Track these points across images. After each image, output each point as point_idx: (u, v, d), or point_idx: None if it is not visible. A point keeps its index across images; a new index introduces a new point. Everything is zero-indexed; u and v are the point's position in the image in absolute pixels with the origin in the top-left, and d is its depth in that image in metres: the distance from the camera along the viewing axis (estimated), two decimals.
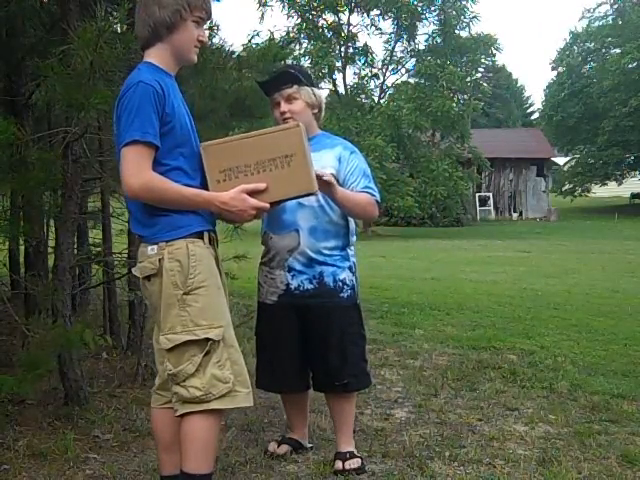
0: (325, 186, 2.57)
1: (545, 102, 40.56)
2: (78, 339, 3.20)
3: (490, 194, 33.46)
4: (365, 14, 25.69)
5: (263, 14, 24.72)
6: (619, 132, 32.19)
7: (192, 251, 2.20)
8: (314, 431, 3.28)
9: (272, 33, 10.61)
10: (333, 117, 22.77)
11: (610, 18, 36.21)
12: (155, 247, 2.21)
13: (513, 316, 6.94)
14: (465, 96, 26.77)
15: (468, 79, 26.69)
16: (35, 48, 4.04)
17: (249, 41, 5.25)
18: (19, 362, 3.09)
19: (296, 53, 22.98)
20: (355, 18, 43.06)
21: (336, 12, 25.27)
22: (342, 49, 25.74)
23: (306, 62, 23.50)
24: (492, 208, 33.28)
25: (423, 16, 25.43)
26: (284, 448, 3.01)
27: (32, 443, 3.04)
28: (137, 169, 2.11)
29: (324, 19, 25.65)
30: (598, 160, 33.76)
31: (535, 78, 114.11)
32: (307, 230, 2.79)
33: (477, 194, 32.79)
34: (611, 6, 36.33)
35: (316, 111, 2.89)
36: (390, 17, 25.36)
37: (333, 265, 2.83)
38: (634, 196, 36.20)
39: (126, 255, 4.47)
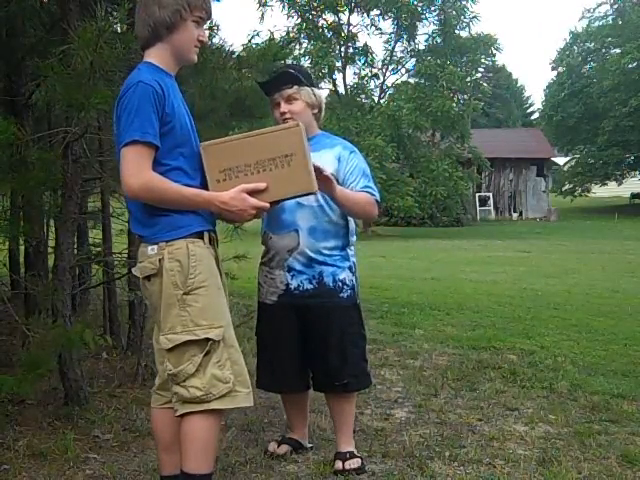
0: (325, 185, 2.57)
1: (545, 102, 40.58)
2: (78, 339, 3.20)
3: (490, 194, 33.47)
4: (365, 14, 25.69)
5: (263, 14, 24.74)
6: (619, 132, 32.19)
7: (192, 251, 2.20)
8: (314, 431, 3.28)
9: (272, 33, 10.60)
10: (333, 117, 22.77)
11: (610, 18, 36.22)
12: (155, 247, 2.21)
13: (513, 316, 6.95)
14: (465, 96, 26.77)
15: (468, 79, 26.69)
16: (35, 48, 4.04)
17: (249, 41, 5.25)
18: (19, 362, 3.10)
19: (296, 53, 23.01)
20: (355, 18, 43.11)
21: (336, 12, 25.26)
22: (342, 49, 25.74)
23: (306, 62, 23.50)
24: (492, 208, 33.28)
25: (423, 16, 25.42)
26: (284, 448, 3.01)
27: (32, 443, 3.04)
28: (137, 169, 2.11)
29: (324, 19, 25.66)
30: (598, 160, 33.77)
31: (535, 78, 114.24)
32: (306, 230, 2.79)
33: (477, 194, 32.79)
34: (611, 6, 36.35)
35: (316, 111, 2.89)
36: (390, 17, 25.36)
37: (333, 265, 2.83)
38: (634, 196, 36.21)
39: (126, 255, 4.47)
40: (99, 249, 5.34)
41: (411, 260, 14.08)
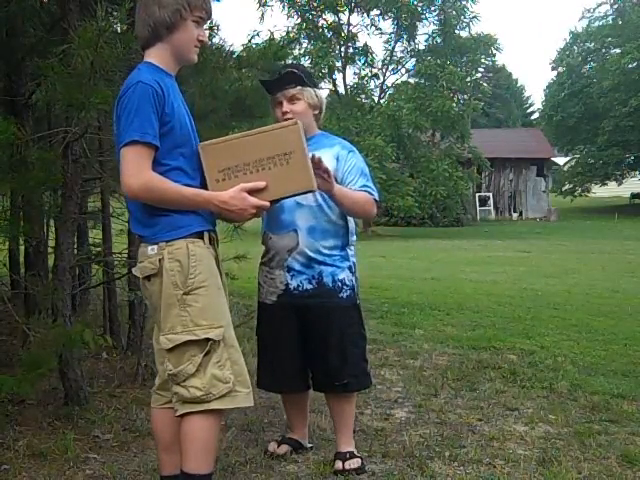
0: (324, 182, 2.57)
1: (545, 102, 40.58)
2: (78, 339, 3.20)
3: (490, 194, 33.46)
4: (365, 14, 25.69)
5: (263, 14, 24.76)
6: (619, 132, 32.19)
7: (192, 251, 2.20)
8: (314, 431, 3.28)
9: (272, 33, 10.57)
10: (333, 117, 22.76)
11: (610, 18, 36.23)
12: (155, 247, 2.21)
13: (513, 316, 6.94)
14: (465, 96, 26.78)
15: (468, 79, 26.70)
16: (35, 48, 4.04)
17: (249, 41, 5.25)
18: (19, 362, 3.10)
19: (296, 53, 22.98)
20: (355, 18, 43.04)
21: (336, 12, 25.27)
22: (342, 49, 25.74)
23: (306, 62, 23.49)
24: (492, 208, 33.28)
25: (423, 16, 25.43)
26: (284, 448, 3.01)
27: (32, 443, 3.04)
28: (136, 169, 2.11)
29: (324, 19, 25.67)
30: (598, 160, 33.77)
31: (535, 78, 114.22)
32: (305, 230, 2.79)
33: (477, 194, 32.79)
34: (611, 6, 36.35)
35: (317, 112, 2.90)
36: (390, 17, 25.36)
37: (332, 265, 2.83)
38: (634, 196, 36.21)
39: (126, 255, 4.47)
40: (99, 249, 5.34)
41: (411, 260, 14.08)
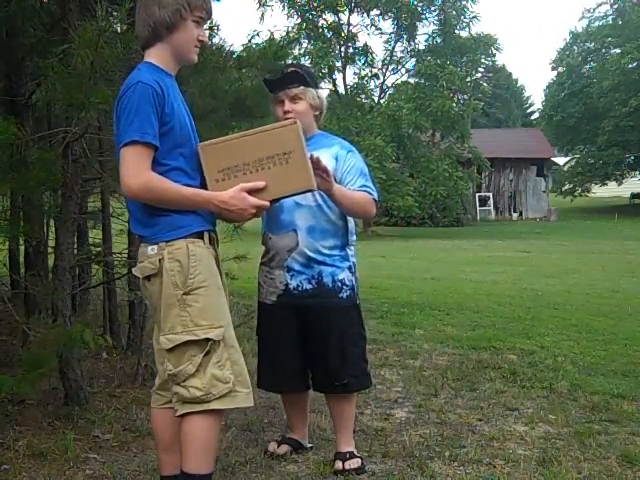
0: (323, 182, 2.57)
1: (545, 102, 40.58)
2: (78, 339, 3.20)
3: (490, 194, 33.46)
4: (365, 14, 25.70)
5: (263, 14, 24.77)
6: (619, 132, 32.19)
7: (192, 251, 2.20)
8: (314, 431, 3.28)
9: (272, 33, 10.58)
10: (333, 117, 22.75)
11: (610, 18, 36.23)
12: (155, 247, 2.21)
13: (513, 316, 6.94)
14: (465, 96, 26.78)
15: (468, 79, 26.70)
16: (35, 48, 4.04)
17: (249, 41, 5.26)
18: (20, 362, 3.10)
19: (296, 53, 22.97)
20: (355, 18, 43.03)
21: (336, 12, 25.27)
22: (342, 49, 25.74)
23: (306, 62, 23.48)
24: (492, 208, 33.28)
25: (423, 16, 25.44)
26: (284, 448, 3.01)
27: (32, 443, 3.04)
28: (136, 169, 2.11)
29: (324, 19, 25.67)
30: (598, 160, 33.77)
31: (535, 78, 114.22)
32: (305, 230, 2.79)
33: (477, 194, 32.79)
34: (611, 6, 36.35)
35: (317, 113, 2.90)
36: (390, 17, 25.37)
37: (332, 265, 2.83)
38: (634, 196, 36.21)
39: (126, 255, 4.47)
40: (99, 249, 5.34)
41: (411, 260, 14.08)
